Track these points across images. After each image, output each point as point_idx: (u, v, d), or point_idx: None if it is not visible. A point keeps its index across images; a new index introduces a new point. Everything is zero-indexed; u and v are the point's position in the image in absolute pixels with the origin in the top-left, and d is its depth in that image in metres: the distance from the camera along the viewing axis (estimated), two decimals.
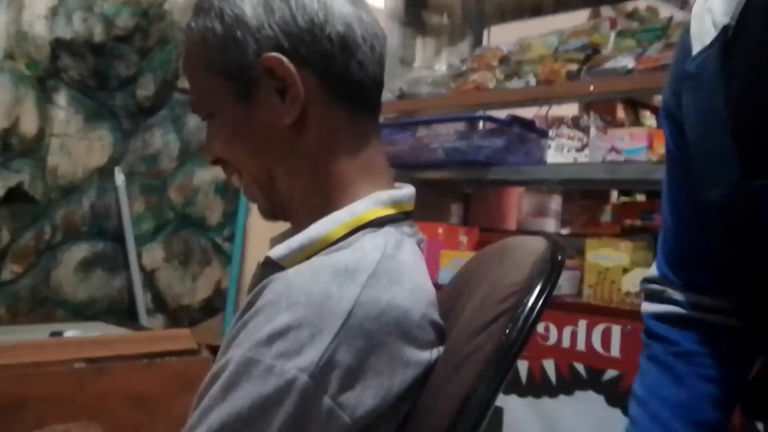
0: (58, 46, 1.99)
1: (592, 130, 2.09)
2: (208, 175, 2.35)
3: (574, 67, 2.08)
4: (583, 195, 2.68)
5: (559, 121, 2.16)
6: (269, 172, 0.76)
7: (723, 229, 0.80)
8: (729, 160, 0.75)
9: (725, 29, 0.76)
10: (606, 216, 2.30)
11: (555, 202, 2.80)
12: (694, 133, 0.81)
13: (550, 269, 0.73)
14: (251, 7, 0.73)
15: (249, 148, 0.75)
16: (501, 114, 2.23)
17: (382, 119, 0.87)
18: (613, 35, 2.15)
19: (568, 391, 1.79)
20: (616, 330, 1.76)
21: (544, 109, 2.37)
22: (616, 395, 1.68)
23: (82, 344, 1.50)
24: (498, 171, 2.16)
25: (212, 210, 2.38)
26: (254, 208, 2.41)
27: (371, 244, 0.70)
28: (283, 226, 0.83)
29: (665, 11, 3.45)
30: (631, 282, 1.83)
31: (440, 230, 2.51)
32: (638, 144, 1.98)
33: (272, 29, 0.72)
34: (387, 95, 2.58)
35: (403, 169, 2.31)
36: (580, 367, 1.76)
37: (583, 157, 2.10)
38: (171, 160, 2.26)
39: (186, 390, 1.57)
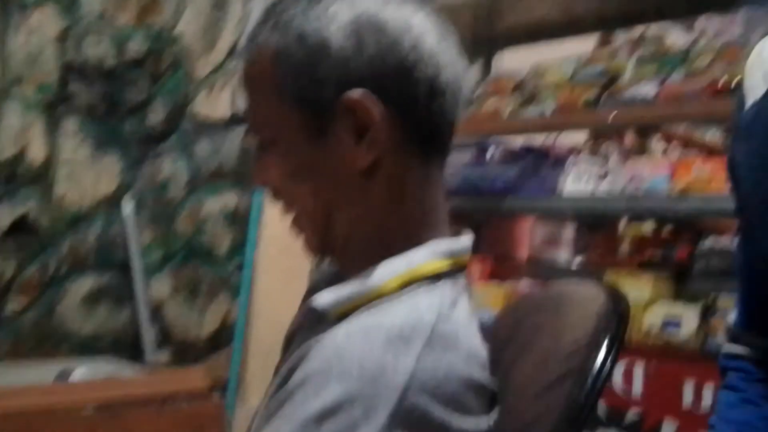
0: (68, 70, 1.95)
1: (612, 159, 2.05)
2: (217, 204, 2.30)
3: (592, 94, 2.03)
4: (594, 224, 2.63)
5: (577, 150, 2.12)
6: (327, 211, 0.69)
7: None
8: None
9: None
10: (625, 247, 2.24)
11: (568, 231, 2.75)
12: (748, 183, 0.82)
13: (616, 324, 0.68)
14: (339, 37, 0.65)
15: (311, 185, 0.68)
16: (517, 140, 2.19)
17: None
18: (632, 62, 2.11)
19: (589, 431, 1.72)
20: (639, 367, 1.70)
21: (553, 136, 2.33)
22: None
23: (93, 387, 1.44)
24: (514, 201, 2.11)
25: (221, 240, 2.32)
26: (264, 238, 2.35)
27: (427, 303, 0.64)
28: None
29: (671, 36, 3.43)
30: (653, 317, 1.77)
31: None
32: (660, 173, 1.93)
33: (359, 66, 0.65)
34: None
35: None
36: (600, 407, 1.70)
37: (604, 186, 2.05)
38: (180, 188, 2.20)
39: None
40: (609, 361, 0.64)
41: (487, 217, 2.83)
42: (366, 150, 0.66)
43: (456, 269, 0.70)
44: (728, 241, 2.10)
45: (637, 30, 2.92)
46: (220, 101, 2.29)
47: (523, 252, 2.80)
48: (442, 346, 0.61)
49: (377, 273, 0.67)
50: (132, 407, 1.43)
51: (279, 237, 2.44)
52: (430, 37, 0.68)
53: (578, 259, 2.63)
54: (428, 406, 0.58)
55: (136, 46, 2.06)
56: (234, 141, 2.34)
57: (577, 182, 2.11)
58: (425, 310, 0.63)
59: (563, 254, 2.68)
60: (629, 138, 2.85)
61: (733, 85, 1.76)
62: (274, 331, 2.45)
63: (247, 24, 2.33)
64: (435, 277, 0.67)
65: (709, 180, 1.84)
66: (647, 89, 1.90)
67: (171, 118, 2.16)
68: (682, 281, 1.94)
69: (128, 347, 2.07)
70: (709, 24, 3.65)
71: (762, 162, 0.78)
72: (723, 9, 2.50)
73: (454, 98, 0.70)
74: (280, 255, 2.45)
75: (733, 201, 1.77)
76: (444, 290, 0.67)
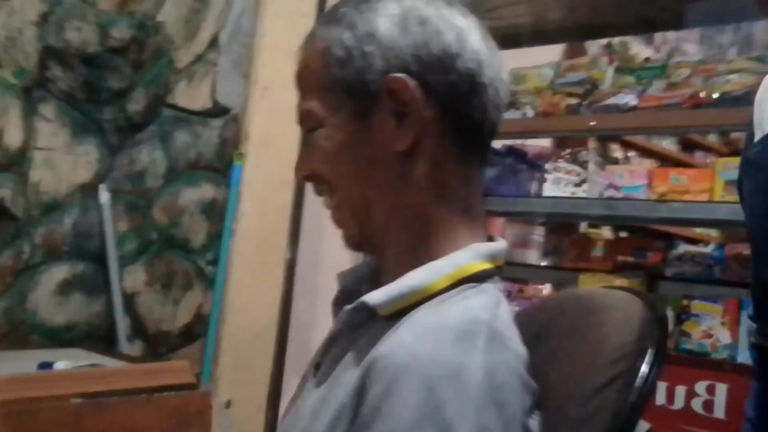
0: (48, 55, 1.89)
1: (591, 166, 2.09)
2: (194, 195, 2.27)
3: (573, 101, 2.08)
4: (558, 227, 2.69)
5: (556, 154, 2.16)
6: (367, 198, 0.72)
7: None
8: None
9: None
10: (597, 251, 2.29)
11: (538, 233, 2.80)
12: (754, 216, 0.84)
13: (659, 331, 0.70)
14: (386, 24, 0.70)
15: (353, 168, 0.71)
16: (496, 145, 2.21)
17: None
18: (611, 71, 2.15)
19: None
20: None
21: (532, 141, 2.37)
22: None
23: (79, 378, 1.41)
24: (494, 202, 2.13)
25: (196, 232, 2.29)
26: (240, 231, 2.33)
27: (479, 302, 0.66)
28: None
29: (635, 47, 3.53)
30: None
31: None
32: (638, 181, 1.99)
33: (404, 50, 0.69)
34: None
35: None
36: None
37: (580, 192, 2.10)
38: (157, 178, 2.17)
39: (185, 425, 1.49)
40: (656, 367, 0.67)
41: None
42: (407, 132, 0.69)
43: (496, 271, 0.73)
44: (700, 248, 2.17)
45: (603, 41, 3.00)
46: (200, 92, 2.26)
47: None
48: (499, 344, 0.63)
49: (425, 271, 0.68)
50: (119, 399, 1.40)
51: (255, 230, 2.42)
52: (474, 36, 0.72)
53: (546, 261, 2.68)
54: (504, 401, 0.59)
55: (118, 34, 2.01)
56: (213, 132, 2.32)
57: (555, 187, 2.15)
58: (479, 308, 0.65)
59: (532, 256, 2.73)
60: (591, 145, 2.91)
61: (713, 98, 1.82)
62: (246, 325, 2.43)
63: (229, 15, 2.31)
64: (480, 278, 0.70)
65: (685, 189, 1.90)
66: (628, 98, 1.95)
67: (151, 106, 2.12)
68: (654, 286, 1.99)
69: (101, 339, 2.03)
70: (667, 39, 3.77)
71: (766, 198, 0.80)
72: (679, 25, 2.58)
73: (496, 98, 0.73)
74: (255, 249, 2.43)
75: (707, 210, 1.82)
76: (489, 290, 0.69)
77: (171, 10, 2.13)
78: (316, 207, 2.62)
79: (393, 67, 0.69)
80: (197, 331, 2.30)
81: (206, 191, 2.30)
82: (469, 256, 0.70)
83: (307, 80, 0.74)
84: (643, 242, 2.29)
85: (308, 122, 0.73)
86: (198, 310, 2.31)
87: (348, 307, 0.71)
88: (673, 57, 2.20)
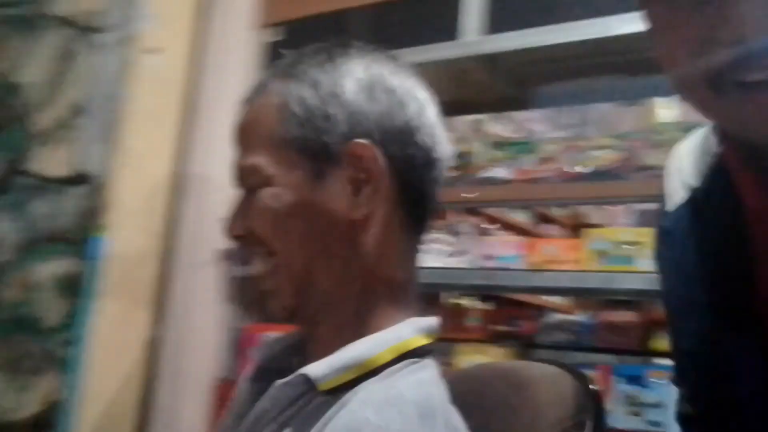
0: None
1: (465, 236, 2.13)
2: (49, 269, 2.09)
3: (449, 173, 2.12)
4: (429, 298, 2.71)
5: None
6: (312, 265, 0.68)
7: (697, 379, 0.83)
8: (699, 311, 0.78)
9: (694, 191, 0.80)
10: (472, 321, 2.32)
11: None
12: (668, 285, 0.85)
13: (594, 403, 0.69)
14: (353, 88, 0.68)
15: (301, 232, 0.67)
16: None
17: None
18: (482, 145, 2.23)
19: None
20: None
21: None
22: None
23: None
24: None
25: (51, 310, 2.10)
26: (100, 309, 2.15)
27: (428, 377, 0.65)
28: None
29: (495, 125, 3.72)
30: None
31: None
32: (511, 252, 2.04)
33: (369, 117, 0.67)
34: None
35: None
36: None
37: (454, 263, 2.12)
38: (8, 251, 1.98)
39: None
40: None
41: None
42: (364, 201, 0.67)
43: (434, 347, 0.70)
44: (569, 317, 2.25)
45: (462, 118, 3.15)
46: (60, 159, 2.11)
47: None
48: (453, 419, 0.62)
49: (368, 343, 0.65)
50: None
51: (116, 308, 2.25)
52: (430, 110, 0.72)
53: None
54: None
55: None
56: (72, 202, 2.16)
57: (428, 257, 2.17)
58: (429, 384, 0.63)
59: None
60: (466, 217, 3.00)
61: (581, 172, 1.92)
62: (105, 412, 2.23)
63: (95, 79, 2.19)
64: (420, 353, 0.67)
65: (557, 259, 1.97)
66: (502, 171, 2.02)
67: (5, 175, 1.95)
68: (528, 354, 2.04)
69: None
70: (514, 118, 4.01)
71: (681, 267, 0.81)
72: (525, 106, 2.75)
73: (442, 175, 0.72)
74: (116, 328, 2.25)
75: (578, 279, 1.89)
76: (432, 366, 0.68)
77: (31, 72, 1.99)
78: (186, 281, 2.48)
79: (356, 133, 0.67)
80: (49, 420, 2.08)
81: (63, 265, 2.12)
82: (410, 330, 0.68)
83: (255, 135, 0.69)
84: (516, 312, 2.35)
85: (252, 179, 0.69)
86: (50, 398, 2.09)
87: (281, 381, 0.65)
88: (536, 134, 2.31)
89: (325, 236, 0.68)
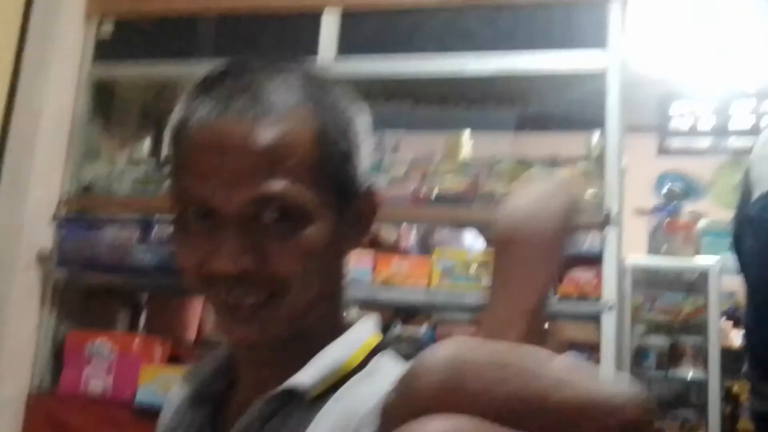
0: None
1: None
2: None
3: None
4: None
5: None
6: (315, 298, 0.66)
7: None
8: None
9: None
10: None
11: None
12: (754, 274, 0.84)
13: None
14: (366, 128, 0.70)
15: (319, 269, 0.65)
16: None
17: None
18: None
19: None
20: None
21: None
22: None
23: None
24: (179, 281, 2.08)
25: None
26: None
27: (396, 372, 0.66)
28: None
29: None
30: None
31: (136, 341, 2.29)
32: (363, 266, 2.12)
33: (369, 161, 0.70)
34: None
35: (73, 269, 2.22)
36: None
37: None
38: None
39: None
40: None
41: (151, 296, 2.70)
42: (365, 237, 0.71)
43: (388, 340, 0.75)
44: (416, 330, 2.37)
45: None
46: None
47: (192, 333, 2.73)
48: None
49: (340, 346, 0.68)
50: None
51: None
52: None
53: None
54: None
55: None
56: None
57: None
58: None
59: None
60: None
61: (432, 195, 2.06)
62: None
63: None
64: (380, 348, 0.71)
65: (407, 275, 2.08)
66: None
67: None
68: None
69: None
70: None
71: (763, 258, 0.80)
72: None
73: None
74: None
75: (428, 295, 2.02)
76: (397, 358, 0.71)
77: None
78: None
79: (365, 176, 0.69)
80: None
81: None
82: (369, 328, 0.71)
83: (283, 160, 0.62)
84: None
85: (272, 209, 0.62)
86: None
87: (266, 396, 0.64)
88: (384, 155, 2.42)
89: (335, 272, 0.70)
